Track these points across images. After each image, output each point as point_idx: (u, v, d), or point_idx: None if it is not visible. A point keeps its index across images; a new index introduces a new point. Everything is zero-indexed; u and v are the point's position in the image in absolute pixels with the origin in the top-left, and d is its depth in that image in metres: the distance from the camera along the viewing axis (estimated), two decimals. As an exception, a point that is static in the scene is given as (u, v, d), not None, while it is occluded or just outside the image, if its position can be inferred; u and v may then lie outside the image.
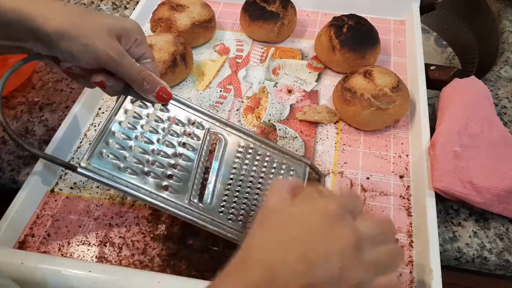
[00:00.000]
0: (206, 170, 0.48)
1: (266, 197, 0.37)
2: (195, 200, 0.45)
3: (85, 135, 0.59)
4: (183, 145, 0.47)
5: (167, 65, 0.62)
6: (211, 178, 0.47)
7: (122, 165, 0.42)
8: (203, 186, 0.46)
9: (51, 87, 0.67)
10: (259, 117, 0.62)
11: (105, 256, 0.47)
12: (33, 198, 0.51)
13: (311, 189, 0.37)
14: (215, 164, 0.48)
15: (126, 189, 0.42)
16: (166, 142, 0.46)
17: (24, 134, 0.60)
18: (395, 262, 0.35)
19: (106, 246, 0.48)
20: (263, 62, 0.70)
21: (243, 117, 0.62)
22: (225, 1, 0.81)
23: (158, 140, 0.46)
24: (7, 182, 0.56)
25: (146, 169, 0.44)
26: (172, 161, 0.46)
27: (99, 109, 0.63)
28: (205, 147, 0.48)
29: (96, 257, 0.47)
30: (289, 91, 0.66)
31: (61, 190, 0.53)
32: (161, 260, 0.47)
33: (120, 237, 0.49)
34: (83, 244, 0.48)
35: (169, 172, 0.45)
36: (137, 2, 0.80)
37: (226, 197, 0.46)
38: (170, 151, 0.46)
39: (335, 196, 0.37)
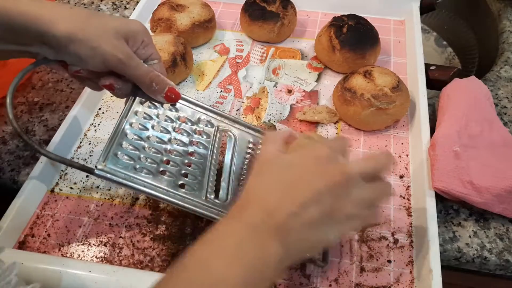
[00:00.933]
0: (219, 167, 0.48)
1: (261, 148, 0.40)
2: (212, 197, 0.45)
3: (85, 135, 0.59)
4: (195, 143, 0.48)
5: (167, 65, 0.62)
6: (225, 174, 0.48)
7: (137, 166, 0.43)
8: (217, 183, 0.47)
9: (51, 87, 0.67)
10: (259, 117, 0.62)
11: (105, 256, 0.47)
12: (33, 198, 0.51)
13: (302, 137, 0.41)
14: (227, 161, 0.48)
15: (144, 189, 0.42)
16: (178, 141, 0.47)
17: (24, 134, 0.60)
18: (381, 198, 0.39)
19: (106, 246, 0.48)
20: (263, 62, 0.70)
21: (243, 117, 0.62)
22: (225, 1, 0.81)
23: (170, 140, 0.46)
24: (7, 182, 0.56)
25: (161, 168, 0.44)
26: (186, 160, 0.46)
27: (99, 109, 0.63)
28: (216, 145, 0.49)
29: (96, 257, 0.47)
30: (289, 91, 0.66)
31: (61, 190, 0.53)
32: (161, 260, 0.47)
33: (120, 237, 0.49)
34: (83, 244, 0.48)
35: (183, 171, 0.46)
36: (137, 2, 0.80)
37: (240, 192, 0.47)
38: (182, 149, 0.47)
39: (325, 140, 0.42)
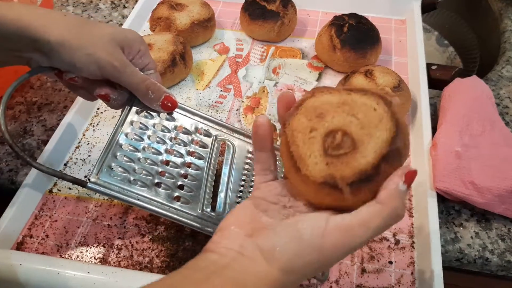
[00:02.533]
0: (216, 178, 0.47)
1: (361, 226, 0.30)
2: (208, 210, 0.44)
3: (84, 135, 0.59)
4: (192, 154, 0.46)
5: (166, 64, 0.61)
6: (222, 186, 0.46)
7: (131, 178, 0.42)
8: (214, 195, 0.46)
9: (50, 87, 0.67)
10: (259, 117, 0.62)
11: (104, 257, 0.47)
12: (31, 199, 0.51)
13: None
14: (225, 172, 0.47)
15: (138, 202, 0.41)
16: (175, 152, 0.46)
17: (23, 134, 0.60)
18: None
19: (104, 247, 0.48)
20: (263, 61, 0.70)
21: (243, 117, 0.62)
22: (224, 0, 0.81)
23: (166, 150, 0.45)
24: (6, 182, 0.55)
25: (156, 180, 0.43)
26: (182, 171, 0.45)
27: (98, 109, 0.62)
28: (213, 155, 0.48)
29: (94, 258, 0.47)
30: (290, 91, 0.65)
31: (60, 190, 0.53)
32: (160, 261, 0.47)
33: (119, 238, 0.49)
34: (81, 245, 0.48)
35: (179, 182, 0.44)
36: (136, 1, 0.79)
37: (238, 205, 0.46)
38: (179, 160, 0.45)
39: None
